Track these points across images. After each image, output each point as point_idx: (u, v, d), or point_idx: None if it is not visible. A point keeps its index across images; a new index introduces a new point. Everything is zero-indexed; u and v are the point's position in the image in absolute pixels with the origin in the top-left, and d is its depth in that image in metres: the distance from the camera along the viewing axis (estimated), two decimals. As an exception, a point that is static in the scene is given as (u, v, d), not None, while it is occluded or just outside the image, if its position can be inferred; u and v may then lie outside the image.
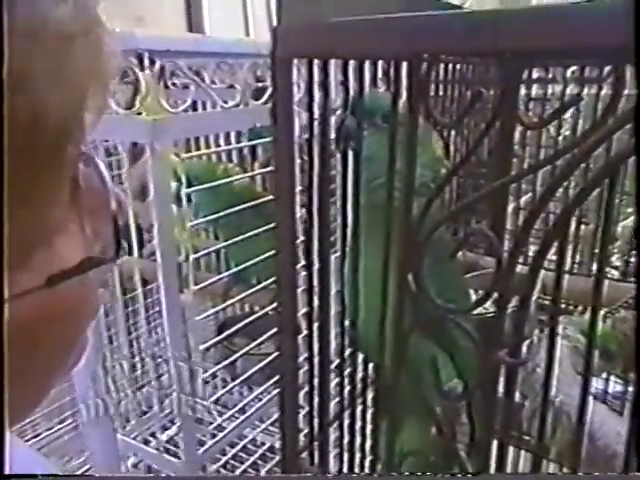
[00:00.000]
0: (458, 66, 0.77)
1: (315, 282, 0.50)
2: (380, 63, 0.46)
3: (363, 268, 0.52)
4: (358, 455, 0.54)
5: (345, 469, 0.54)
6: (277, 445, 1.01)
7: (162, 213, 0.57)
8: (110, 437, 0.76)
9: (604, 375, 0.77)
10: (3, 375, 0.14)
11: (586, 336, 0.74)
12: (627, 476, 0.45)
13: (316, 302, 0.51)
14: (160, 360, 0.79)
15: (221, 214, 0.79)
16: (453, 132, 0.80)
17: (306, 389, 0.52)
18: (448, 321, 0.41)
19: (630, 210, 1.02)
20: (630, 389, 0.70)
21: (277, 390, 0.52)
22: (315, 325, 0.51)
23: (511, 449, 0.55)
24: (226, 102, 0.62)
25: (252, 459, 0.93)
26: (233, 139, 0.97)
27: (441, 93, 0.79)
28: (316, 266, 0.49)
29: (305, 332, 0.50)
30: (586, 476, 0.48)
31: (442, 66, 0.76)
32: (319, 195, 0.48)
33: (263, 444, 0.99)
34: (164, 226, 0.59)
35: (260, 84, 0.71)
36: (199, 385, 0.68)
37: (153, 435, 0.85)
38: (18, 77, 0.15)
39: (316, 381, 0.52)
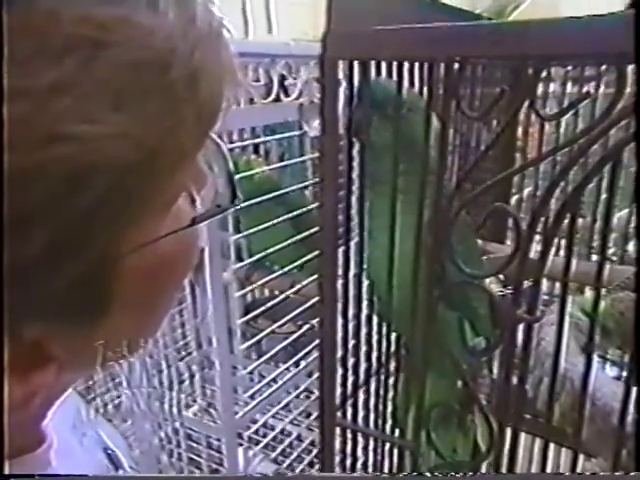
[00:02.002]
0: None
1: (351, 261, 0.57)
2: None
3: (388, 245, 0.56)
4: (389, 410, 0.60)
5: (376, 423, 0.61)
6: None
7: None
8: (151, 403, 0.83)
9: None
10: (3, 377, 0.16)
11: (586, 314, 0.81)
12: (627, 476, 0.47)
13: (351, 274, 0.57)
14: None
15: (243, 204, 0.84)
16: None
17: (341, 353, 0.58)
18: (473, 286, 0.47)
19: (621, 203, 1.08)
20: (626, 360, 0.77)
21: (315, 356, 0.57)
22: (350, 294, 0.57)
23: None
24: (265, 98, 0.69)
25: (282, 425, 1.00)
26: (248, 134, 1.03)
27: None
28: (354, 240, 0.55)
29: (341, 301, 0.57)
30: (586, 476, 0.52)
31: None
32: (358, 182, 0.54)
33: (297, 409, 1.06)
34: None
35: (289, 81, 0.77)
36: (238, 357, 0.74)
37: (194, 400, 0.92)
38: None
39: (350, 345, 0.58)
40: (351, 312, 0.57)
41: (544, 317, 0.46)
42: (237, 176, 0.86)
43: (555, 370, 0.51)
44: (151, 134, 0.18)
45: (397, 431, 0.61)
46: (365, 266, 0.60)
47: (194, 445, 0.97)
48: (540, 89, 1.11)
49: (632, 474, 0.45)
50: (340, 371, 0.58)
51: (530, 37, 0.40)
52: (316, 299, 0.92)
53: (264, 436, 0.94)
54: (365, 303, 0.59)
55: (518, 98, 0.40)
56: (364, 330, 0.61)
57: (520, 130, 1.07)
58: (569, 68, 1.02)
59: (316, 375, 0.98)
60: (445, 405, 0.51)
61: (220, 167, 0.28)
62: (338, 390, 0.58)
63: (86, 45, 0.17)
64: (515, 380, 0.47)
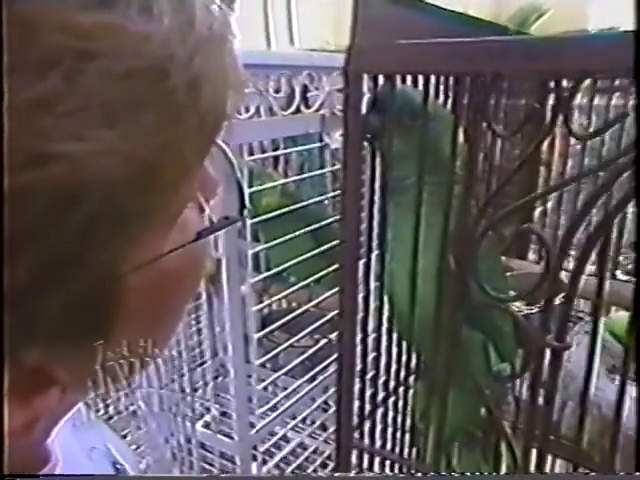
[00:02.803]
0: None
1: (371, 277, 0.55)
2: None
3: (409, 261, 0.54)
4: (408, 435, 0.59)
5: (394, 443, 0.59)
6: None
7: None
8: (165, 415, 0.82)
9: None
10: (3, 376, 0.15)
11: (614, 336, 0.78)
12: (627, 476, 0.46)
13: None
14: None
15: (262, 217, 0.83)
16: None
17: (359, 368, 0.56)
18: (498, 309, 0.45)
19: None
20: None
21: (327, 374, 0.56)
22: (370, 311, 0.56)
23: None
24: (285, 109, 0.68)
25: (300, 438, 0.99)
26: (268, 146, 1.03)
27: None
28: (375, 253, 0.54)
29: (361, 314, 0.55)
30: (586, 476, 0.51)
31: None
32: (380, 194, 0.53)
33: (313, 422, 1.05)
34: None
35: (311, 92, 0.77)
36: (254, 367, 0.73)
37: (208, 409, 0.91)
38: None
39: (369, 363, 0.57)
40: (370, 326, 0.56)
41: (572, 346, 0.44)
42: (259, 188, 0.85)
43: (585, 396, 0.49)
44: (145, 148, 0.17)
45: (415, 452, 0.59)
46: (385, 282, 0.59)
47: (207, 454, 0.96)
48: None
49: (632, 474, 0.43)
50: (358, 388, 0.56)
51: (564, 52, 0.38)
52: (333, 313, 0.92)
53: (278, 448, 0.92)
54: (385, 317, 0.58)
55: (552, 114, 0.39)
56: (383, 345, 0.60)
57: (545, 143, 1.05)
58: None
59: (332, 390, 0.97)
60: (467, 431, 0.49)
61: (228, 176, 0.27)
62: (355, 408, 0.56)
63: (70, 56, 0.15)
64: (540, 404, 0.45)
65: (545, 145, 1.07)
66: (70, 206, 0.16)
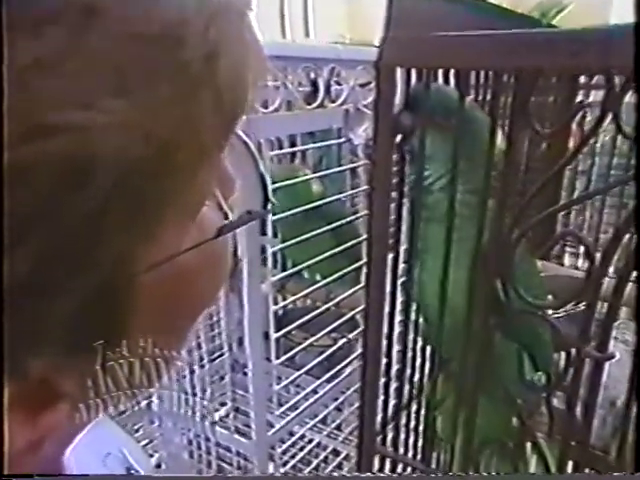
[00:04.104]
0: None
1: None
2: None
3: (436, 273, 0.52)
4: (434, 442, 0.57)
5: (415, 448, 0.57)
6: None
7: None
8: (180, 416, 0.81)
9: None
10: (3, 376, 0.13)
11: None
12: (627, 476, 0.45)
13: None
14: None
15: (283, 214, 0.81)
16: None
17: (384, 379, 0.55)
18: (536, 316, 0.43)
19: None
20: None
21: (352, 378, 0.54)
22: (397, 319, 0.54)
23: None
24: (309, 104, 0.66)
25: (319, 438, 0.98)
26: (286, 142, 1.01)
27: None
28: (401, 260, 0.52)
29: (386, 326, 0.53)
30: (586, 476, 0.49)
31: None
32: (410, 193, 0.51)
33: (329, 422, 1.04)
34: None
35: (337, 87, 0.75)
36: (273, 371, 0.72)
37: (223, 404, 0.90)
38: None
39: (393, 370, 0.55)
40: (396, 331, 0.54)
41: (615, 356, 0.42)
42: (283, 184, 0.83)
43: (628, 408, 0.46)
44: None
45: (442, 462, 0.57)
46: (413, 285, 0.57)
47: (222, 451, 0.95)
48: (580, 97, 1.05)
49: (632, 474, 0.42)
50: (382, 390, 0.55)
51: (615, 46, 0.36)
52: (354, 312, 0.90)
53: (293, 445, 0.91)
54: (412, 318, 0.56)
55: (602, 112, 0.37)
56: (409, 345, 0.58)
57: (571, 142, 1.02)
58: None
59: (351, 390, 0.95)
60: (497, 441, 0.48)
61: (250, 169, 0.25)
62: (379, 411, 0.54)
63: (75, 12, 0.13)
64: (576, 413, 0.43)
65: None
66: (77, 188, 0.14)
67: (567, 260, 1.08)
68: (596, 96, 1.00)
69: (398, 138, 0.49)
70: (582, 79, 0.92)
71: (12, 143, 0.13)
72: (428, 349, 0.59)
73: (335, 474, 1.02)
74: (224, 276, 0.24)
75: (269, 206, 0.25)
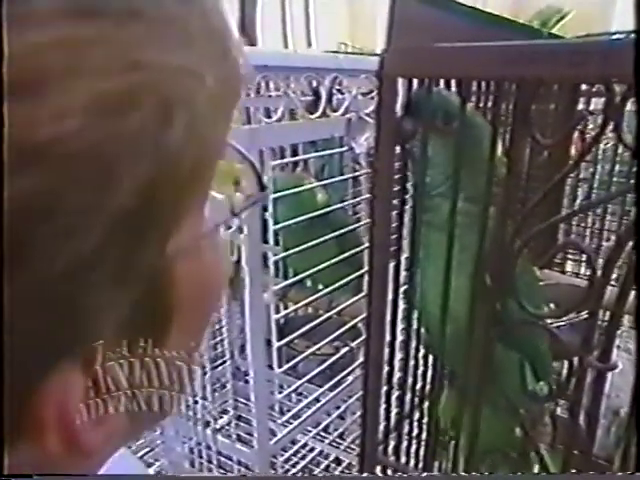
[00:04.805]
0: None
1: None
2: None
3: (437, 282, 0.51)
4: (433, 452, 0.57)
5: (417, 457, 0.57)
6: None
7: (250, 216, 0.62)
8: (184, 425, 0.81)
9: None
10: (3, 375, 0.13)
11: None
12: (627, 476, 0.45)
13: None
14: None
15: (287, 223, 0.81)
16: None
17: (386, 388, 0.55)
18: (537, 326, 0.43)
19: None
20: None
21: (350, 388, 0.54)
22: (399, 328, 0.54)
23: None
24: (312, 113, 0.67)
25: (320, 447, 0.98)
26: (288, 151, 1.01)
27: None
28: (403, 266, 0.52)
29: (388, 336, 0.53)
30: (586, 476, 0.50)
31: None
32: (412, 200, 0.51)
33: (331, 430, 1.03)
34: (252, 227, 0.64)
35: (339, 96, 0.75)
36: (276, 377, 0.71)
37: (224, 412, 0.90)
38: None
39: (395, 379, 0.55)
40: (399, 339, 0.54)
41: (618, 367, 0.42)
42: (288, 192, 0.82)
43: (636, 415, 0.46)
44: (217, 79, 0.16)
45: (444, 471, 0.57)
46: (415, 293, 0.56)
47: (224, 460, 0.94)
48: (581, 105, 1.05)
49: (632, 474, 0.42)
50: (384, 398, 0.54)
51: (615, 56, 0.36)
52: (356, 320, 0.90)
53: (295, 454, 0.91)
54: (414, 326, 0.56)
55: (603, 121, 0.37)
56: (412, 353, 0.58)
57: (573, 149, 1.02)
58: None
59: (353, 399, 0.95)
60: (500, 451, 0.47)
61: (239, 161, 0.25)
62: (381, 419, 0.54)
63: None
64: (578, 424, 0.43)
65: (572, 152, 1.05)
66: (164, 124, 0.15)
67: (569, 267, 1.08)
68: (597, 104, 1.00)
69: (400, 145, 0.49)
70: (583, 86, 0.92)
71: (111, 73, 0.14)
72: (430, 357, 0.59)
73: None
74: (228, 273, 0.25)
75: (267, 190, 0.26)
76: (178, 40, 0.16)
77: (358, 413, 0.95)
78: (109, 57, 0.14)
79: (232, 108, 0.18)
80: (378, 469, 0.57)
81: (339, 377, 0.91)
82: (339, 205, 0.89)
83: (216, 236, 0.21)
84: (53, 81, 0.13)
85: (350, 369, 0.91)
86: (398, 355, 0.54)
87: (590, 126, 0.97)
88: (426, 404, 0.58)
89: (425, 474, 0.58)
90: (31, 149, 0.12)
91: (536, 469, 0.47)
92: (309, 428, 0.92)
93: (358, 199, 1.00)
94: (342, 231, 0.85)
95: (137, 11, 0.15)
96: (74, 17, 0.13)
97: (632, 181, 0.39)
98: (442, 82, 0.48)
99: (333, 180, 0.92)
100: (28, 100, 0.12)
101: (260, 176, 0.25)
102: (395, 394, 0.55)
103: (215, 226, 0.21)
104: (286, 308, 0.91)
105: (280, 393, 0.79)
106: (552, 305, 0.52)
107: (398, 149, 0.49)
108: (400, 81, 0.46)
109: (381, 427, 0.55)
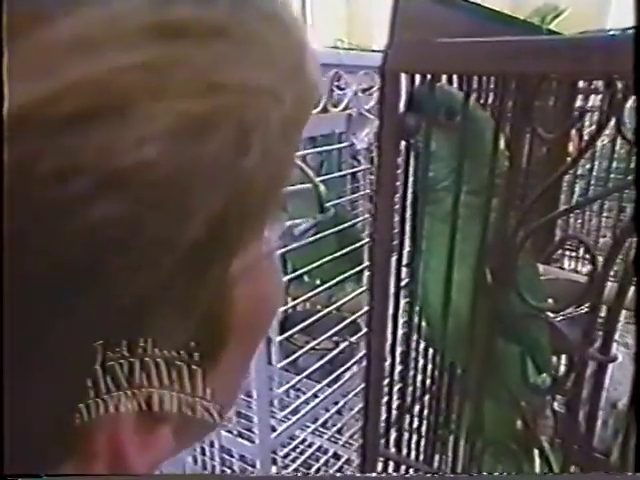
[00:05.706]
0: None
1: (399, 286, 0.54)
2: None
3: (439, 273, 0.50)
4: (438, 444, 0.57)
5: (418, 450, 0.58)
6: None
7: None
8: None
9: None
10: (3, 375, 0.13)
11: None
12: (627, 476, 0.45)
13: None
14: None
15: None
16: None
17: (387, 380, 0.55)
18: (538, 319, 0.44)
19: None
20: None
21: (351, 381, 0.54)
22: (400, 322, 0.54)
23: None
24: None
25: (319, 442, 0.98)
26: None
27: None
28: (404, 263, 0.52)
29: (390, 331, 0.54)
30: (586, 476, 0.50)
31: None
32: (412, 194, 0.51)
33: (331, 426, 1.03)
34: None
35: (339, 92, 0.75)
36: (276, 374, 0.72)
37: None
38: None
39: (397, 372, 0.55)
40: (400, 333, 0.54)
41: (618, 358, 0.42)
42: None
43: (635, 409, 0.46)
44: (293, 96, 0.16)
45: (445, 463, 0.57)
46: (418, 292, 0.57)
47: (226, 457, 0.94)
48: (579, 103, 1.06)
49: (632, 474, 0.42)
50: (385, 391, 0.55)
51: (618, 52, 0.37)
52: (356, 316, 0.90)
53: (294, 449, 0.91)
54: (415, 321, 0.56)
55: (605, 117, 0.37)
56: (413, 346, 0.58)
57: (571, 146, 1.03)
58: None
59: (351, 394, 0.95)
60: (501, 443, 0.48)
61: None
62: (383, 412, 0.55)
63: None
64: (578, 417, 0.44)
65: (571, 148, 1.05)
66: (241, 150, 0.14)
67: (567, 263, 1.08)
68: (595, 100, 1.01)
69: (403, 140, 0.49)
70: (581, 83, 0.93)
71: (192, 96, 0.13)
72: (431, 350, 0.59)
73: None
74: (282, 295, 0.24)
75: (328, 212, 0.26)
76: (259, 58, 0.15)
77: (356, 408, 0.96)
78: (190, 79, 0.13)
79: (304, 125, 0.18)
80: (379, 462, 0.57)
81: (338, 372, 0.91)
82: (338, 200, 0.89)
83: (274, 258, 0.20)
84: (137, 104, 0.12)
85: (349, 364, 0.91)
86: (399, 348, 0.55)
87: (587, 123, 0.97)
88: (426, 400, 0.58)
89: (425, 474, 0.59)
90: (115, 175, 0.12)
91: (537, 461, 0.47)
92: (307, 424, 0.92)
93: (356, 195, 1.00)
94: (341, 227, 0.85)
95: (220, 29, 0.14)
96: (158, 37, 0.13)
97: (629, 177, 0.40)
98: (444, 77, 0.49)
99: (332, 176, 0.93)
100: (113, 124, 0.12)
101: (321, 197, 0.25)
102: (396, 387, 0.56)
103: (275, 248, 0.20)
104: (286, 304, 0.91)
105: (279, 388, 0.79)
106: (551, 300, 0.53)
107: (403, 144, 0.50)
108: (403, 76, 0.46)
109: (382, 420, 0.55)
